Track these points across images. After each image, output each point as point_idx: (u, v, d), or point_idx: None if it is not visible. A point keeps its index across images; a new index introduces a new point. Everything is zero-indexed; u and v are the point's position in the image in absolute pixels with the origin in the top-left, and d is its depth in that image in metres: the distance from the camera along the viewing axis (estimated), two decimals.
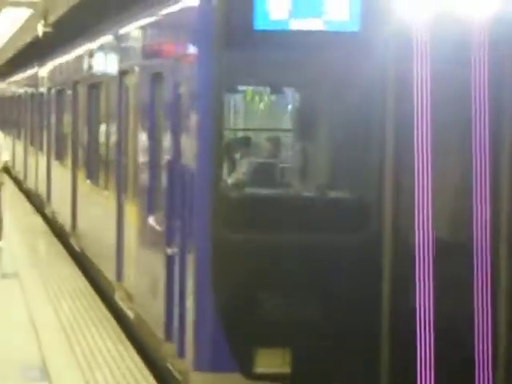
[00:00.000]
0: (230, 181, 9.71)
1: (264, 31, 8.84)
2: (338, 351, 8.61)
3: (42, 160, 26.56)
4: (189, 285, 9.37)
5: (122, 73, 14.67)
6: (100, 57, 17.87)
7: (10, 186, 30.22)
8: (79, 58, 20.56)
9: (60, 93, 23.66)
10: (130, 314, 13.06)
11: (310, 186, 9.78)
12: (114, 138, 15.55)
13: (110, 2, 20.17)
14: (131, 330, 13.78)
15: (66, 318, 14.15)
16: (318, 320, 8.70)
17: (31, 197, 28.78)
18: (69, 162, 21.21)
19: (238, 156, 10.48)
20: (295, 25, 8.90)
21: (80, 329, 13.59)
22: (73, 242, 19.77)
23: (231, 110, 11.21)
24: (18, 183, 32.76)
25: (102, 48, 17.62)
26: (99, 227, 16.78)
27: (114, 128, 15.68)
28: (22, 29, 27.98)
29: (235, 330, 8.63)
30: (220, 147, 9.00)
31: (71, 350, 11.91)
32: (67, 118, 22.32)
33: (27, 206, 27.95)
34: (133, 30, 14.38)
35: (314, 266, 8.76)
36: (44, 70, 24.28)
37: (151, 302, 11.66)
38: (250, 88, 11.05)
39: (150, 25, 12.93)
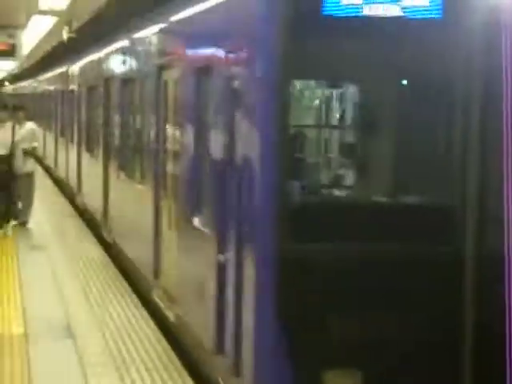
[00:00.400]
0: (296, 185, 7.65)
1: (334, 17, 7.09)
2: (416, 371, 6.97)
3: (73, 152, 24.76)
4: (247, 299, 7.66)
5: (161, 67, 12.62)
6: (134, 53, 15.80)
7: (41, 173, 30.41)
8: (111, 56, 18.39)
9: (91, 89, 21.50)
10: (170, 315, 11.44)
11: (389, 191, 7.94)
12: (152, 134, 13.41)
13: (128, 8, 19.12)
14: (170, 330, 12.00)
15: (89, 285, 14.78)
16: (394, 339, 7.03)
17: (62, 185, 27.63)
18: (100, 154, 19.13)
19: (305, 157, 8.41)
20: (369, 10, 7.10)
21: (101, 294, 14.30)
22: (104, 233, 17.80)
23: (297, 104, 8.68)
24: (49, 172, 32.05)
25: (136, 43, 15.69)
26: (134, 222, 14.99)
27: (151, 123, 13.56)
28: (50, 34, 27.85)
29: (301, 351, 6.94)
30: (286, 146, 7.19)
31: (93, 313, 12.78)
32: (98, 113, 20.08)
33: (57, 193, 27.17)
34: (174, 22, 12.43)
35: (391, 281, 7.06)
36: (74, 68, 22.72)
37: (198, 309, 10.04)
38: (319, 80, 8.82)
39: (197, 15, 10.86)
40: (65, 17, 21.66)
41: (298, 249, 6.84)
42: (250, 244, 7.61)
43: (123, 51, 16.63)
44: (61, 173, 27.79)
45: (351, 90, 8.84)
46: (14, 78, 55.60)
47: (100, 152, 19.24)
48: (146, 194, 13.58)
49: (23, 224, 18.76)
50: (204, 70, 9.65)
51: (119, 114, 16.84)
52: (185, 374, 9.95)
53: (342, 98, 8.89)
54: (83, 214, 21.79)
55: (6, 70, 50.02)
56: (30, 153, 18.86)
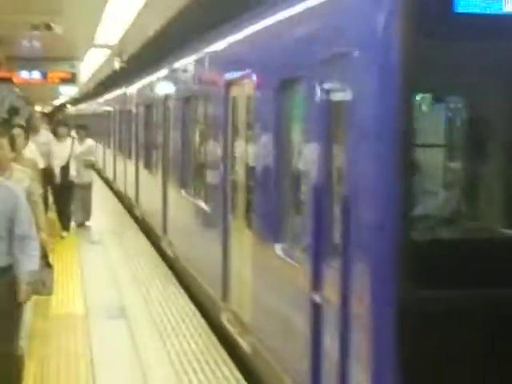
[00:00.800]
0: (421, 219, 5.75)
1: (468, 14, 5.31)
2: None
3: (130, 167, 22.85)
4: (355, 348, 5.82)
5: (229, 83, 10.23)
6: (196, 71, 13.28)
7: (99, 183, 31.00)
8: (169, 76, 16.12)
9: (148, 108, 19.35)
10: (245, 346, 9.55)
11: None
12: (221, 151, 10.97)
13: (174, 37, 17.42)
14: (242, 357, 10.14)
15: (142, 273, 14.75)
16: None
17: (120, 196, 26.24)
18: (160, 171, 16.93)
19: (429, 183, 6.35)
20: None
21: (153, 281, 14.19)
22: (165, 246, 15.78)
23: (423, 120, 6.28)
24: (108, 184, 30.94)
25: (199, 62, 13.06)
26: (198, 239, 12.82)
27: (219, 141, 11.15)
28: (105, 63, 27.77)
29: None
30: (406, 171, 5.33)
31: (142, 296, 12.78)
32: (157, 131, 17.90)
33: (115, 201, 26.12)
34: (249, 31, 9.81)
35: None
36: (131, 90, 21.88)
37: (283, 348, 8.07)
38: (448, 90, 6.39)
39: (280, 22, 8.34)
40: (116, 50, 21.03)
41: (422, 295, 5.04)
42: (363, 286, 5.62)
43: (184, 70, 14.31)
44: (119, 185, 26.31)
45: (486, 104, 6.35)
46: (75, 101, 56.83)
47: (159, 168, 17.20)
48: (213, 216, 11.46)
49: (82, 225, 18.79)
50: (289, 82, 7.55)
51: (181, 131, 14.45)
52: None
53: (474, 113, 6.49)
54: (141, 223, 20.20)
55: (69, 95, 51.42)
56: (88, 166, 19.00)
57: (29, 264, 6.23)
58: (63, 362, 9.21)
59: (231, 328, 9.93)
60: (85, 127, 21.00)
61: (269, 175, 8.36)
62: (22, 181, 8.24)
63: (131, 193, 22.39)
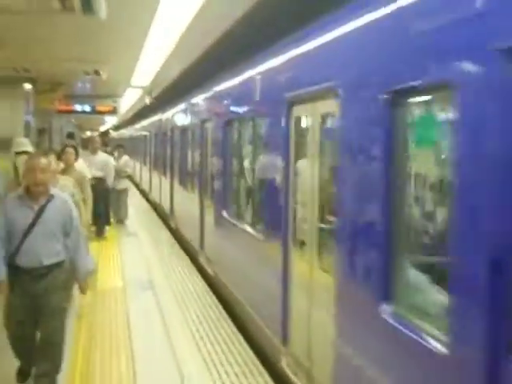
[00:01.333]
0: None
1: None
2: None
3: (165, 183, 20.21)
4: None
5: (292, 103, 7.03)
6: (245, 92, 9.73)
7: (135, 192, 29.80)
8: (211, 99, 12.90)
9: (183, 131, 16.46)
10: None
11: None
12: (280, 177, 7.71)
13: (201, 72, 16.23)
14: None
15: (168, 257, 14.70)
16: None
17: (154, 205, 24.32)
18: (197, 190, 13.97)
19: None
20: None
21: (174, 261, 14.35)
22: (203, 261, 12.99)
23: None
24: (144, 194, 29.11)
25: (250, 82, 9.35)
26: (244, 265, 9.43)
27: (276, 164, 7.91)
28: (139, 99, 26.15)
29: None
30: None
31: (166, 273, 12.88)
32: (194, 151, 14.85)
33: (149, 209, 24.37)
34: (325, 39, 6.46)
35: None
36: (166, 116, 20.34)
37: None
38: None
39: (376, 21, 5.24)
40: (147, 89, 21.48)
41: None
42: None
43: (232, 91, 10.83)
44: (154, 196, 24.30)
45: None
46: (116, 127, 56.84)
47: (196, 187, 14.20)
48: (266, 244, 8.14)
49: (121, 222, 18.52)
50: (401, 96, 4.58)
51: (221, 151, 11.40)
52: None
53: None
54: (175, 232, 17.71)
55: (111, 123, 51.34)
56: (124, 176, 18.74)
57: (88, 264, 6.17)
58: (107, 323, 9.25)
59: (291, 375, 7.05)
60: (122, 146, 21.16)
61: (342, 205, 5.65)
62: (66, 187, 8.16)
63: (166, 205, 20.21)
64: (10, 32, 9.86)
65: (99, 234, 15.48)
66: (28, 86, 16.14)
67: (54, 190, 6.06)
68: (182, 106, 16.56)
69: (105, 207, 15.64)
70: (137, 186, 33.49)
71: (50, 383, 6.12)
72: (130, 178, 25.76)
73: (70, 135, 19.80)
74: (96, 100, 18.92)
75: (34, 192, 5.81)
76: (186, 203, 15.72)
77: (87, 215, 9.94)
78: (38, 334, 6.18)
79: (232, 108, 10.68)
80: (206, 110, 13.20)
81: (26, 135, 15.32)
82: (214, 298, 10.89)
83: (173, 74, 18.18)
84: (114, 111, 22.49)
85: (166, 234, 18.34)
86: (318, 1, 7.81)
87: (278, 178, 7.55)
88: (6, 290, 5.81)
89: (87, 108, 18.74)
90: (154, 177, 24.52)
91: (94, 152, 15.24)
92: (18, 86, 15.61)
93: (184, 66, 16.59)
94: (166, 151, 20.63)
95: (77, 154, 10.33)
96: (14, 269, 5.78)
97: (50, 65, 14.22)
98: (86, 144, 17.94)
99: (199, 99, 14.18)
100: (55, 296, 5.96)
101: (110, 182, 15.74)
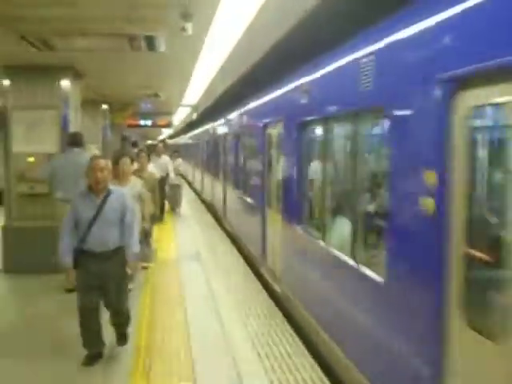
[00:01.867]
0: None
1: None
2: None
3: (218, 185, 17.84)
4: None
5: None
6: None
7: (188, 189, 28.78)
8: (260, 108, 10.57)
9: (236, 137, 13.94)
10: None
11: None
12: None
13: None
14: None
15: (211, 235, 14.85)
16: None
17: (206, 203, 22.27)
18: (258, 194, 10.73)
19: None
20: None
21: (217, 239, 14.40)
22: (265, 273, 10.12)
23: None
24: (197, 193, 27.33)
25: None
26: (311, 279, 7.02)
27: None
28: (187, 115, 24.81)
29: None
30: None
31: (210, 247, 12.99)
32: (251, 156, 11.93)
33: (200, 205, 22.70)
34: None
35: None
36: (218, 125, 18.43)
37: None
38: None
39: None
40: (194, 107, 21.05)
41: None
42: None
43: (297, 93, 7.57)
44: (207, 196, 22.20)
45: None
46: (171, 137, 56.76)
47: (258, 193, 10.73)
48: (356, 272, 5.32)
49: (173, 209, 18.39)
50: None
51: (280, 157, 8.88)
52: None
53: None
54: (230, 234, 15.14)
55: (167, 133, 51.35)
56: (178, 173, 18.67)
57: (134, 246, 5.80)
58: (165, 285, 9.30)
59: None
60: (178, 151, 21.10)
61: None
62: (135, 186, 8.12)
63: (218, 206, 17.88)
64: (91, 66, 10.03)
65: (161, 220, 15.39)
66: (105, 106, 16.56)
67: (112, 186, 5.92)
68: (234, 115, 14.56)
69: (161, 199, 15.60)
70: (189, 185, 32.35)
71: (125, 329, 6.31)
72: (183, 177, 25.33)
73: (134, 143, 20.01)
74: (155, 116, 19.24)
75: (95, 189, 5.72)
76: (243, 208, 12.97)
77: (156, 209, 9.75)
78: (108, 306, 6.04)
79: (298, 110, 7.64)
80: (264, 114, 10.22)
81: (104, 142, 15.93)
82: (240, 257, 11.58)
83: (216, 94, 18.12)
84: (169, 125, 22.91)
85: (210, 219, 18.39)
86: None
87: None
88: (74, 276, 5.69)
89: (149, 122, 19.06)
90: (206, 180, 22.43)
91: (158, 156, 15.90)
92: (97, 106, 15.98)
93: (224, 88, 16.57)
94: (219, 156, 18.06)
95: (149, 158, 10.36)
96: (81, 253, 5.66)
97: (121, 90, 14.53)
98: (151, 150, 18.20)
99: (252, 108, 11.76)
100: (119, 274, 5.86)
101: (170, 179, 16.20)
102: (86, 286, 5.75)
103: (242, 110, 13.28)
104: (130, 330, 6.58)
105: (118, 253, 5.82)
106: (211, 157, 20.94)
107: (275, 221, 9.45)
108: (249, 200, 12.10)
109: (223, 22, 7.07)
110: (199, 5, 5.94)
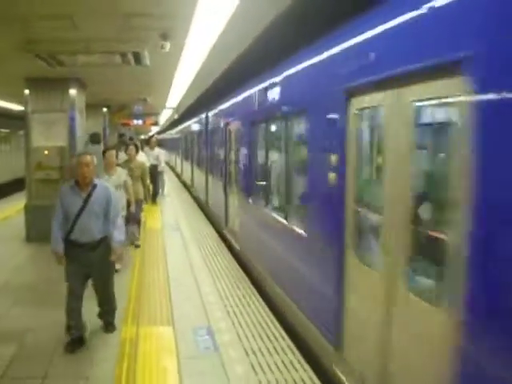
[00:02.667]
0: None
1: None
2: None
3: (192, 169, 17.54)
4: None
5: None
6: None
7: (174, 179, 26.09)
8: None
9: (206, 132, 13.85)
10: None
11: None
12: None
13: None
14: None
15: (187, 209, 14.38)
16: None
17: (185, 184, 21.29)
18: (221, 176, 11.10)
19: None
20: None
21: (193, 211, 13.87)
22: (227, 233, 10.57)
23: None
24: (182, 182, 24.82)
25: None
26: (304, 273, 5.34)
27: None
28: (170, 115, 24.47)
29: None
30: None
31: (188, 219, 11.84)
32: (217, 146, 11.95)
33: (184, 192, 20.48)
34: None
35: None
36: (191, 123, 17.80)
37: None
38: None
39: None
40: (175, 109, 20.82)
41: None
42: None
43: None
44: (185, 178, 21.00)
45: None
46: (158, 133, 55.95)
47: (221, 175, 11.12)
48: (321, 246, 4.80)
49: (161, 193, 17.49)
50: None
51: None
52: None
53: None
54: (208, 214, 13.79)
55: (155, 130, 50.63)
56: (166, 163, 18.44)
57: (119, 236, 5.21)
58: (154, 248, 9.30)
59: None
60: (161, 144, 20.45)
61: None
62: (121, 175, 7.62)
63: (191, 183, 17.49)
64: (93, 77, 10.12)
65: (154, 200, 14.86)
66: (105, 109, 16.44)
67: (96, 180, 5.27)
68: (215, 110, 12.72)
69: (155, 184, 15.31)
70: (172, 169, 31.14)
71: (111, 318, 5.65)
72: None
73: (131, 138, 19.85)
74: (145, 116, 19.25)
75: (82, 183, 5.11)
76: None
77: (144, 191, 9.36)
78: (96, 292, 5.55)
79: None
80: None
81: (105, 139, 15.90)
82: (218, 237, 10.72)
83: (191, 99, 18.16)
84: (156, 123, 22.97)
85: (188, 198, 17.72)
86: None
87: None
88: (64, 262, 5.12)
89: (140, 122, 19.06)
90: (196, 170, 18.56)
91: (152, 148, 15.59)
92: (99, 109, 15.83)
93: (198, 94, 16.75)
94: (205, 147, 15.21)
95: (137, 150, 9.89)
96: (68, 243, 5.11)
97: (117, 96, 14.44)
98: (145, 143, 17.95)
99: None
100: (106, 262, 5.31)
101: (160, 167, 15.72)
102: (74, 274, 5.18)
103: (211, 111, 13.36)
104: (123, 285, 6.58)
105: (103, 242, 5.24)
106: (187, 148, 20.62)
107: (233, 193, 10.03)
108: (216, 180, 12.17)
109: (194, 43, 7.18)
110: (175, 28, 6.16)
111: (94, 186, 5.21)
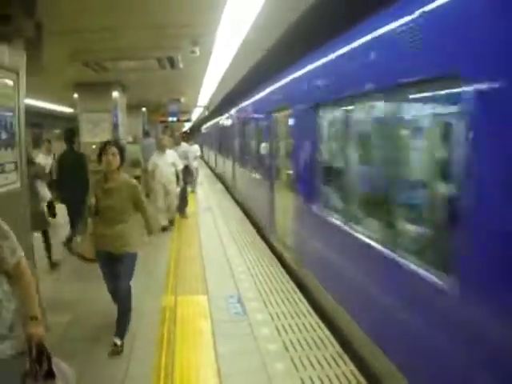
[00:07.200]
0: None
1: None
2: None
3: (226, 161, 16.08)
4: None
5: None
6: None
7: (206, 171, 25.67)
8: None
9: (238, 125, 12.62)
10: None
11: None
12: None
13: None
14: None
15: (220, 197, 14.12)
16: None
17: (219, 176, 19.95)
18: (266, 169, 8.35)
19: None
20: None
21: (223, 199, 13.57)
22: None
23: None
24: (212, 170, 24.50)
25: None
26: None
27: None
28: (201, 113, 24.55)
29: None
30: None
31: (220, 203, 12.38)
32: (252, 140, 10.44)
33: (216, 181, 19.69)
34: None
35: None
36: (222, 119, 16.84)
37: None
38: None
39: None
40: (206, 106, 20.73)
41: None
42: None
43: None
44: (219, 170, 19.89)
45: None
46: (191, 129, 55.81)
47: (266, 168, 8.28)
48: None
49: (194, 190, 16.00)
50: None
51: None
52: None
53: None
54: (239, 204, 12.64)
55: (188, 126, 50.56)
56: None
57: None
58: (189, 228, 9.42)
59: None
60: (193, 139, 20.11)
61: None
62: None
63: (225, 175, 16.20)
64: (133, 81, 10.28)
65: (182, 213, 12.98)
66: (144, 109, 16.70)
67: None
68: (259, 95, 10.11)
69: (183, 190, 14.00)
70: (206, 163, 30.42)
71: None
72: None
73: (147, 132, 19.23)
74: (179, 114, 19.37)
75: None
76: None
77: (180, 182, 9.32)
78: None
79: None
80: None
81: (144, 135, 16.04)
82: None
83: (218, 98, 18.01)
84: (188, 120, 23.08)
85: (220, 187, 17.14)
86: None
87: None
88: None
89: (174, 119, 19.15)
90: (225, 160, 17.12)
91: (178, 144, 12.90)
92: (139, 109, 16.10)
93: (223, 94, 16.63)
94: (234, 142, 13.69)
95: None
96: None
97: (155, 97, 14.62)
98: (182, 138, 16.65)
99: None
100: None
101: (191, 164, 13.36)
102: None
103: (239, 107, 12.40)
104: (163, 261, 6.68)
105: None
106: (220, 141, 19.21)
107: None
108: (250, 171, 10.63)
109: (220, 48, 7.33)
110: (203, 35, 6.33)
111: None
